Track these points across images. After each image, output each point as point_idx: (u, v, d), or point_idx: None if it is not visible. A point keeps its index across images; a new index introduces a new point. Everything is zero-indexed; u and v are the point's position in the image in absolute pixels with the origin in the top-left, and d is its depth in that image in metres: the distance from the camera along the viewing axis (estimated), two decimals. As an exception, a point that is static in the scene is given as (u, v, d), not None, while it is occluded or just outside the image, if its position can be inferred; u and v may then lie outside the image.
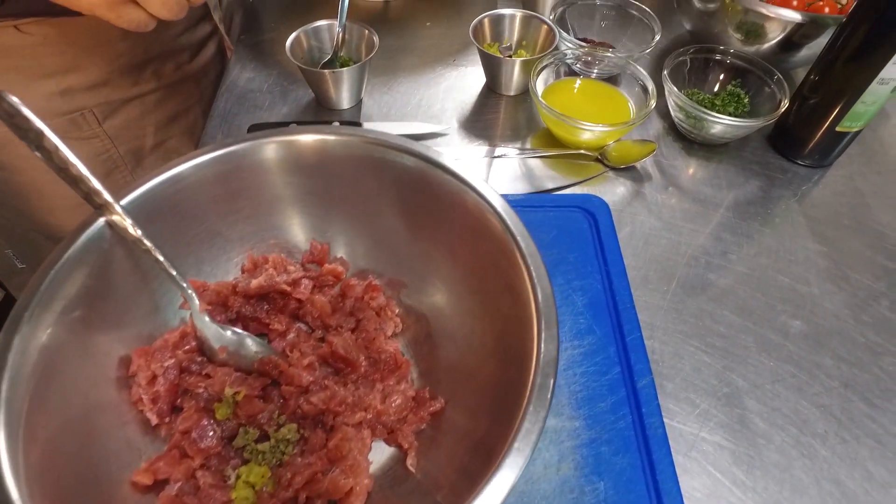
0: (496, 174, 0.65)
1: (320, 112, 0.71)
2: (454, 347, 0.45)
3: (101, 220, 0.39)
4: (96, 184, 0.38)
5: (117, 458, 0.38)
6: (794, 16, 0.65)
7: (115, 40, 0.64)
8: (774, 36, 0.68)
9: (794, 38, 0.68)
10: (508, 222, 0.39)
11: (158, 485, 0.38)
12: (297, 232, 0.49)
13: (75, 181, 0.38)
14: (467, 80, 0.77)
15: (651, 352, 0.52)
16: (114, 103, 0.67)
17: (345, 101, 0.70)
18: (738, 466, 0.47)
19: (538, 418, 0.32)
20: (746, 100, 0.69)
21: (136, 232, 0.39)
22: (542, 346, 0.34)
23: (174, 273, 0.40)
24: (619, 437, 0.46)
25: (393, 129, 0.68)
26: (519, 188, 0.64)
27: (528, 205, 0.59)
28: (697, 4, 0.73)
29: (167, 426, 0.41)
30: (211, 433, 0.40)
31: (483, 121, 0.71)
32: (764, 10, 0.66)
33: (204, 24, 0.78)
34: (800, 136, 0.66)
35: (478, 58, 0.78)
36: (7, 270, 0.73)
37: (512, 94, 0.74)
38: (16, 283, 0.79)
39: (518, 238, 0.39)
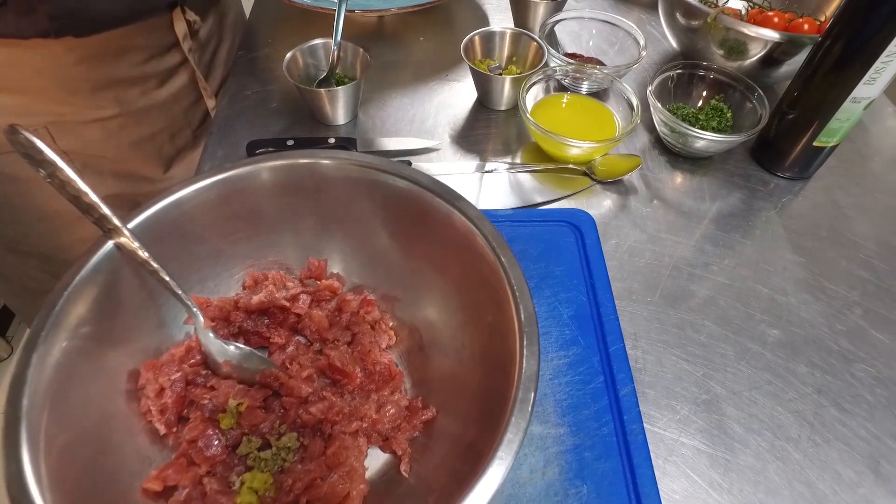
0: (487, 188, 0.68)
1: (317, 127, 0.74)
2: (445, 359, 0.48)
3: (110, 244, 0.42)
4: (106, 210, 0.40)
5: (129, 466, 0.41)
6: (773, 35, 0.67)
7: (69, 65, 0.63)
8: (755, 53, 0.71)
9: (775, 55, 0.70)
10: (494, 244, 0.42)
11: (168, 491, 0.40)
12: (295, 249, 0.52)
13: (87, 208, 0.40)
14: (459, 94, 0.79)
15: (634, 360, 0.55)
16: (68, 123, 0.66)
17: (341, 117, 0.73)
18: (715, 469, 0.49)
19: (519, 429, 0.35)
20: (729, 114, 0.72)
21: (143, 254, 0.42)
22: (524, 361, 0.37)
23: (180, 292, 0.43)
24: (602, 443, 0.48)
25: (388, 144, 0.70)
26: (508, 202, 0.66)
27: (517, 219, 0.61)
28: (682, 21, 0.76)
29: (174, 435, 0.44)
30: (216, 442, 0.42)
31: (474, 135, 0.74)
32: (745, 30, 0.69)
33: (173, 52, 0.76)
34: (780, 150, 0.69)
35: (469, 73, 0.81)
36: None
37: (503, 108, 0.76)
38: None
39: (503, 260, 0.41)
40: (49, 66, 0.61)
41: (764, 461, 0.49)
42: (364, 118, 0.75)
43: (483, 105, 0.77)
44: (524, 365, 0.37)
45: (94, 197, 0.40)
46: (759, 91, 0.69)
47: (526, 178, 0.69)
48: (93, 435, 0.39)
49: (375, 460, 0.45)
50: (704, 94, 0.74)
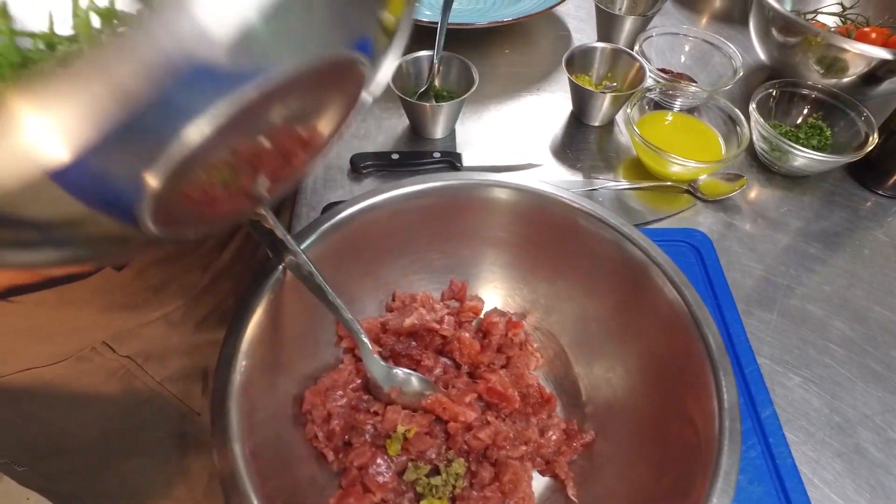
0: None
1: (416, 140, 0.73)
2: (596, 380, 0.48)
3: (275, 272, 0.41)
4: (290, 240, 0.40)
5: (303, 488, 0.41)
6: (881, 53, 0.68)
7: (129, 281, 0.52)
8: (857, 71, 0.71)
9: (878, 73, 0.70)
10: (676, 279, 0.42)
11: (347, 519, 0.40)
12: (440, 271, 0.52)
13: (266, 234, 0.40)
14: (552, 107, 0.79)
15: (762, 381, 0.55)
16: (131, 329, 0.56)
17: (440, 131, 0.72)
18: (861, 495, 0.49)
19: (734, 464, 0.35)
20: (829, 132, 0.72)
21: (318, 279, 0.41)
22: (725, 392, 0.37)
23: (349, 317, 0.43)
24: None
25: (491, 160, 0.70)
26: (617, 219, 0.66)
27: (638, 238, 0.61)
28: (778, 37, 0.76)
29: (339, 461, 0.43)
30: (386, 469, 0.42)
31: (574, 151, 0.74)
32: (848, 47, 0.69)
33: None
34: (885, 169, 0.69)
35: (560, 85, 0.81)
36: (6, 469, 0.65)
37: (597, 124, 0.76)
38: (20, 478, 0.67)
39: (686, 293, 0.41)
40: (104, 291, 0.51)
41: (908, 486, 0.50)
42: (461, 131, 0.75)
43: (578, 119, 0.77)
44: (725, 396, 0.37)
45: (271, 216, 0.40)
46: (867, 112, 0.69)
47: (630, 196, 0.69)
48: (273, 453, 0.39)
49: (536, 484, 0.45)
50: (804, 111, 0.74)
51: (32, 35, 0.24)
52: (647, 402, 0.44)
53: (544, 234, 0.49)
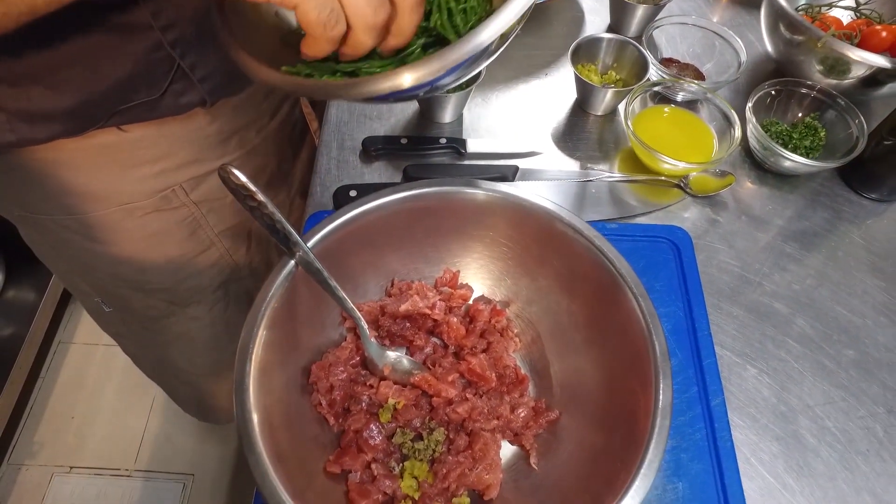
0: (589, 195, 0.72)
1: (424, 124, 0.78)
2: (565, 366, 0.55)
3: (290, 264, 0.48)
4: (295, 235, 0.47)
5: (308, 447, 0.49)
6: (881, 61, 0.69)
7: (205, 125, 0.64)
8: (858, 74, 0.73)
9: (879, 77, 0.72)
10: (634, 288, 0.47)
11: (343, 474, 0.49)
12: (434, 261, 0.58)
13: (276, 231, 0.46)
14: (559, 94, 0.82)
15: (720, 369, 0.61)
16: (201, 176, 0.68)
17: (448, 116, 0.77)
18: (789, 474, 0.57)
19: (659, 451, 0.42)
20: (823, 133, 0.74)
21: (324, 273, 0.48)
22: (661, 394, 0.43)
23: (351, 306, 0.50)
24: (695, 446, 0.56)
25: (495, 147, 0.75)
26: (607, 210, 0.71)
27: (621, 234, 0.66)
28: (785, 33, 0.77)
29: (338, 424, 0.52)
30: (377, 433, 0.50)
31: (574, 139, 0.78)
32: (850, 54, 0.70)
33: None
34: (873, 173, 0.72)
35: (568, 71, 0.84)
36: (96, 311, 0.82)
37: (600, 114, 0.79)
38: (103, 321, 0.86)
39: (641, 302, 0.47)
40: (188, 131, 0.63)
41: (834, 470, 0.57)
42: (468, 115, 0.79)
43: (581, 108, 0.80)
44: (661, 396, 0.43)
45: (286, 225, 0.46)
46: (861, 117, 0.71)
47: (623, 188, 0.73)
48: (283, 414, 0.48)
49: (504, 451, 0.53)
50: (801, 110, 0.77)
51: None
52: (604, 390, 0.51)
53: (528, 236, 0.55)
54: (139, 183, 0.63)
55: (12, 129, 0.52)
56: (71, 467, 1.40)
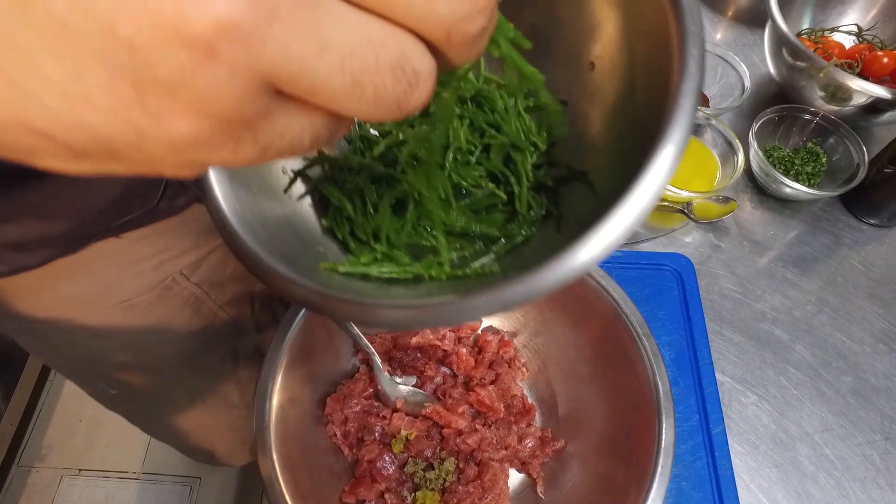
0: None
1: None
2: (571, 399, 0.57)
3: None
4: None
5: (323, 477, 0.51)
6: (881, 91, 0.70)
7: (200, 214, 0.63)
8: (859, 102, 0.74)
9: (880, 106, 0.73)
10: (639, 329, 0.49)
11: (359, 503, 0.51)
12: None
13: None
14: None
15: (720, 395, 0.63)
16: (200, 259, 0.66)
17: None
18: (787, 500, 0.58)
19: (663, 487, 0.43)
20: (824, 159, 0.76)
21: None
22: (664, 433, 0.45)
23: (366, 342, 0.51)
24: (696, 475, 0.58)
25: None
26: (612, 236, 0.72)
27: (625, 262, 0.68)
28: (788, 59, 0.78)
29: (352, 454, 0.54)
30: (390, 463, 0.52)
31: (579, 164, 0.79)
32: (851, 84, 0.71)
33: None
34: (875, 200, 0.73)
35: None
36: (102, 395, 0.82)
37: (606, 137, 0.81)
38: (110, 403, 0.85)
39: (646, 343, 0.48)
40: (185, 223, 0.62)
41: (831, 497, 0.59)
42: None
43: (586, 131, 0.82)
44: (663, 436, 0.45)
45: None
46: (862, 145, 0.72)
47: (628, 213, 0.75)
48: (300, 447, 0.49)
49: (512, 480, 0.55)
50: (804, 135, 0.78)
51: None
52: (609, 423, 0.52)
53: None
54: (138, 278, 0.61)
55: (3, 261, 0.49)
56: (79, 470, 1.42)
